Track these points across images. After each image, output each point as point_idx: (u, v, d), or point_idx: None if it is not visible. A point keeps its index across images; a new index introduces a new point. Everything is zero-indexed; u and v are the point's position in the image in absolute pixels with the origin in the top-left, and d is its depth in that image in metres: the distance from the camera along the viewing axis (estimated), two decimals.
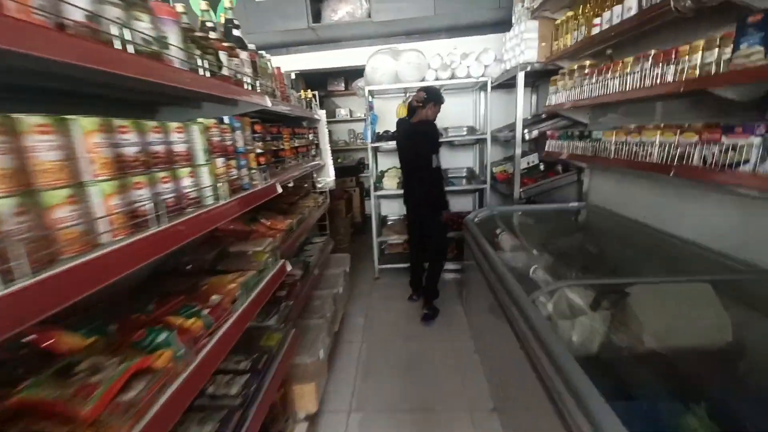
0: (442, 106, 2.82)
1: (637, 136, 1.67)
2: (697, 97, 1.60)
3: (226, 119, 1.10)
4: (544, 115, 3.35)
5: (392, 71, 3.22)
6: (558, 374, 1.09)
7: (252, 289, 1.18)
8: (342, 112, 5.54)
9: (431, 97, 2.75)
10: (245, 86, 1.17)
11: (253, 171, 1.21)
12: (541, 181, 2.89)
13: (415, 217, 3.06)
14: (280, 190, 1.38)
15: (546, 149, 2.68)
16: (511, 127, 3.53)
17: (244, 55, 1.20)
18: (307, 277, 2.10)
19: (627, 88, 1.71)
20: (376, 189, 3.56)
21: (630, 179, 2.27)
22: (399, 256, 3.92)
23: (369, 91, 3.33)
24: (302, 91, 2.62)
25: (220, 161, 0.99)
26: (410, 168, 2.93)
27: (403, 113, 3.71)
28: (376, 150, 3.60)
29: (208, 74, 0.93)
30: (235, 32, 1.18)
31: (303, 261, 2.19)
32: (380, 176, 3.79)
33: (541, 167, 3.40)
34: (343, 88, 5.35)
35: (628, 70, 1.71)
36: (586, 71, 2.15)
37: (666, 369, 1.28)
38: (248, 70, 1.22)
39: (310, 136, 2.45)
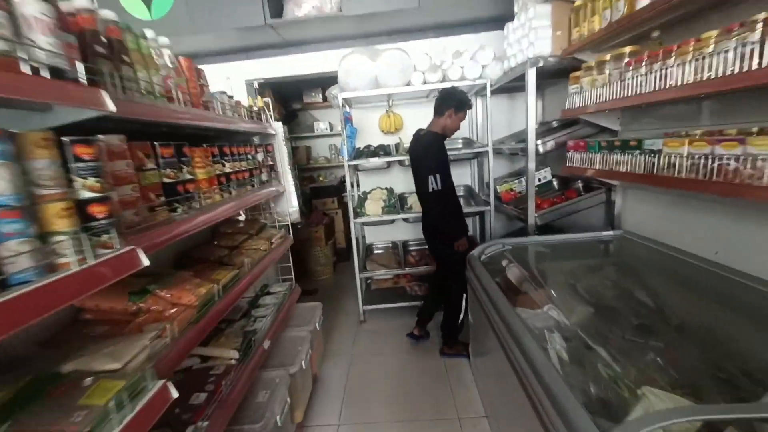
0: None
1: (735, 146, 1.08)
2: None
3: None
4: (555, 124, 2.80)
5: (370, 74, 2.65)
6: None
7: None
8: (321, 126, 4.96)
9: (449, 101, 2.18)
10: (22, 66, 0.56)
11: (61, 239, 0.59)
12: (559, 204, 2.30)
13: (428, 247, 2.60)
14: (145, 261, 0.76)
15: (568, 163, 2.10)
16: (518, 137, 2.97)
17: (31, 8, 0.59)
18: (250, 358, 1.46)
19: (713, 75, 1.13)
20: (357, 215, 2.94)
21: (689, 202, 1.69)
22: (388, 292, 3.28)
23: (343, 99, 2.75)
24: (250, 98, 2.02)
25: None
26: (417, 190, 2.38)
27: (387, 126, 3.14)
28: (355, 168, 3.00)
29: None
30: None
31: (245, 332, 1.55)
32: (362, 199, 3.18)
33: (555, 185, 2.83)
34: (321, 100, 4.78)
35: (711, 48, 1.14)
36: (626, 60, 1.59)
37: None
38: (47, 38, 0.61)
39: (260, 156, 1.84)
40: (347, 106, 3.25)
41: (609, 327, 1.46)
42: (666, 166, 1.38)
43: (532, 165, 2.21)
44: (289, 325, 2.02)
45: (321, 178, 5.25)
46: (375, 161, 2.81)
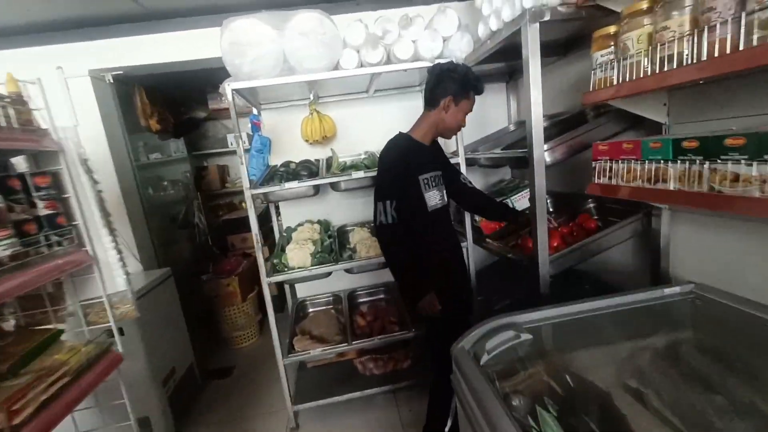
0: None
1: None
2: None
3: None
4: (545, 122, 2.03)
5: (275, 52, 1.68)
6: None
7: None
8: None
9: (445, 83, 1.42)
10: None
11: None
12: (580, 242, 1.48)
13: None
14: None
15: (597, 178, 1.29)
16: (495, 142, 2.16)
17: None
18: None
19: None
20: (273, 270, 1.93)
21: None
22: (331, 375, 2.27)
23: (235, 92, 1.75)
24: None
25: None
26: None
27: (312, 132, 2.18)
28: (266, 199, 1.99)
29: None
30: None
31: None
32: (284, 239, 2.19)
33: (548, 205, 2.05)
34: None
35: None
36: None
37: None
38: None
39: None
40: (254, 108, 2.26)
41: None
42: None
43: (541, 181, 1.37)
44: None
45: (243, 205, 4.12)
46: (293, 187, 1.83)
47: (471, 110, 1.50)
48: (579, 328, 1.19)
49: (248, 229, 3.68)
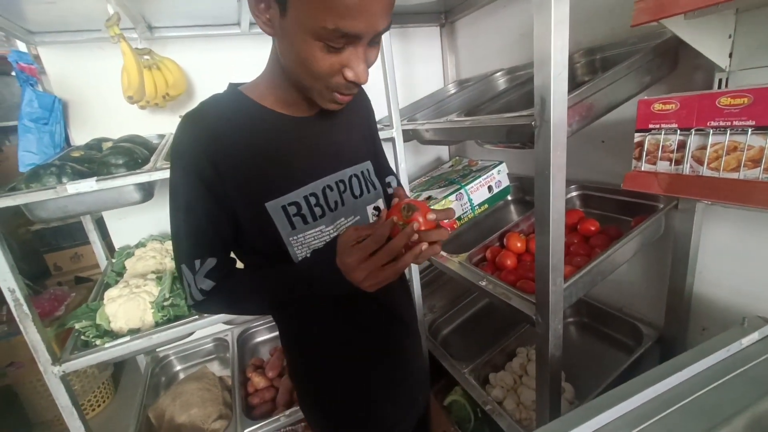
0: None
1: None
2: None
3: None
4: (501, 80, 1.47)
5: None
6: None
7: None
8: None
9: None
10: None
11: None
12: (596, 258, 0.95)
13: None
14: None
15: (643, 164, 0.74)
16: (442, 105, 1.53)
17: None
18: None
19: None
20: (77, 345, 1.04)
21: None
22: None
23: None
24: None
25: None
26: None
27: (137, 87, 1.26)
28: (34, 217, 1.04)
29: None
30: None
31: None
32: (111, 277, 1.28)
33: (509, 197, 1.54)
34: None
35: None
36: None
37: None
38: None
39: None
40: (18, 41, 1.25)
41: None
42: None
43: (560, 161, 0.74)
44: None
45: None
46: (85, 191, 0.93)
47: (342, 22, 0.46)
48: None
49: (83, 240, 2.55)
